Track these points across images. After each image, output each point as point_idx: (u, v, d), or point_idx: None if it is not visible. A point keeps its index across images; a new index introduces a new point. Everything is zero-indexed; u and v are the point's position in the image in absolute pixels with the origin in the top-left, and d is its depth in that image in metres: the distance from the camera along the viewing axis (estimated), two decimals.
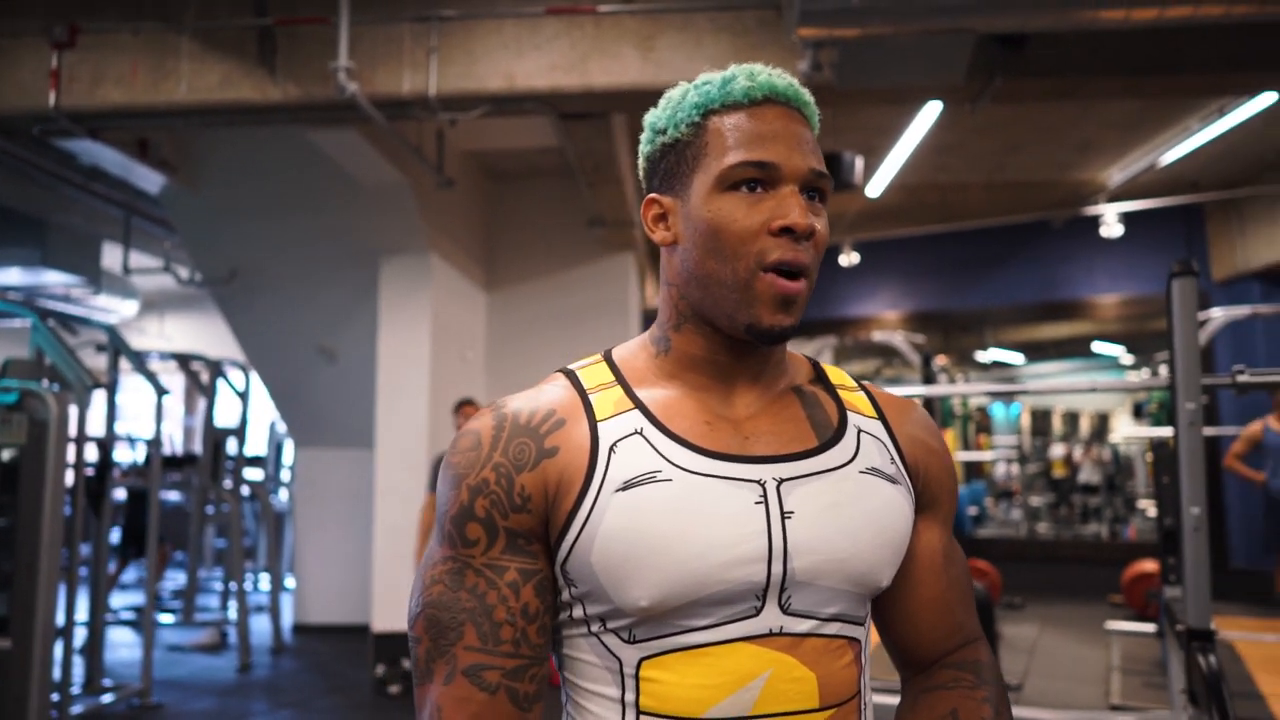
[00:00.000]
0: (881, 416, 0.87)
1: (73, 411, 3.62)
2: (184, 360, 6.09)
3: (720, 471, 0.76)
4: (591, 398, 0.81)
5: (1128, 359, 9.98)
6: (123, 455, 7.92)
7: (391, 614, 4.96)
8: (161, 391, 4.84)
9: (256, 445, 8.28)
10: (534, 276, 6.28)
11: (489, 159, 5.95)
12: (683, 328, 0.83)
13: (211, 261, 5.64)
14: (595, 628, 0.77)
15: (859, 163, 4.77)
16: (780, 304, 0.77)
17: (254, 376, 6.33)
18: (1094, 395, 10.44)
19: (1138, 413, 9.99)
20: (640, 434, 0.77)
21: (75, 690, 4.30)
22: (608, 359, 0.86)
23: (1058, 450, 10.47)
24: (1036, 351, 10.73)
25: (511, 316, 6.28)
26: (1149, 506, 8.09)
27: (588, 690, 0.78)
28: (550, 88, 3.53)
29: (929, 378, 5.45)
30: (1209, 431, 5.80)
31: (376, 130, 4.01)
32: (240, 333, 5.93)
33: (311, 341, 5.81)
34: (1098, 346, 9.91)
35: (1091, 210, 6.61)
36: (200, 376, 6.09)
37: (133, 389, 9.77)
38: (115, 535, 6.50)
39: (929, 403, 4.73)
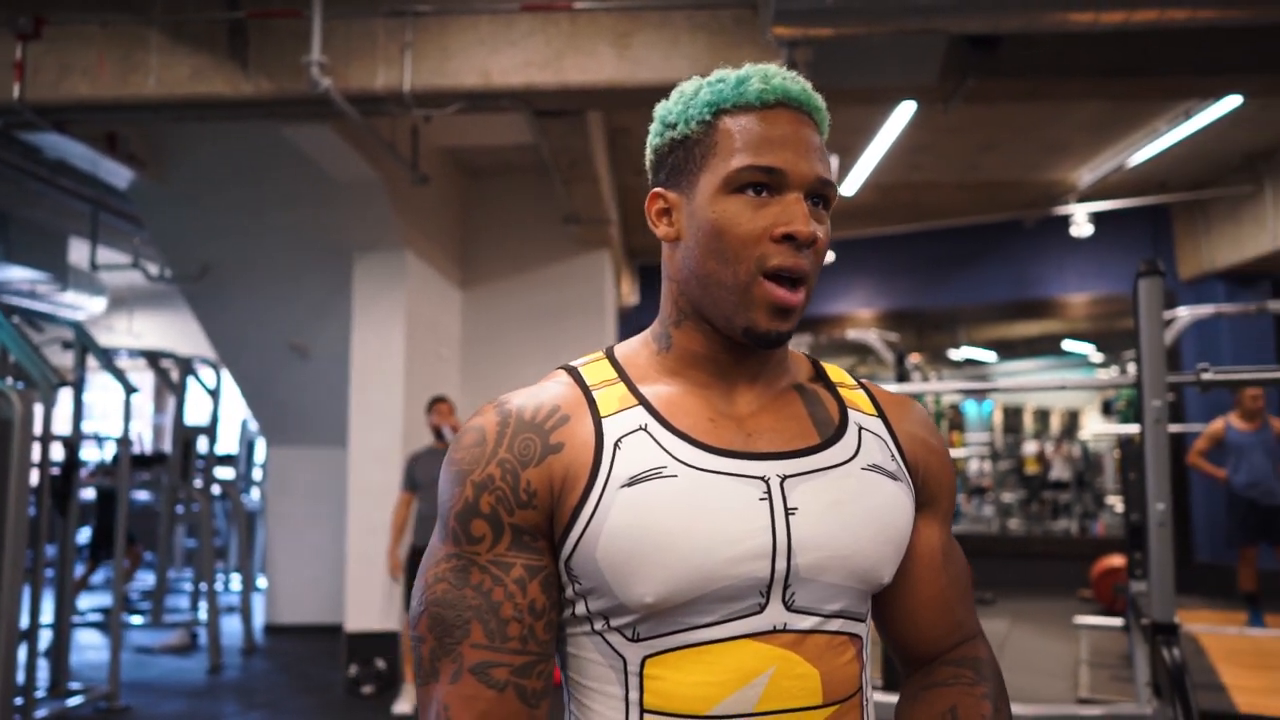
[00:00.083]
0: (882, 414, 0.88)
1: (38, 410, 3.56)
2: (153, 358, 6.01)
3: (724, 468, 0.76)
4: (595, 394, 0.81)
5: (1097, 357, 10.12)
6: (90, 454, 7.80)
7: (364, 614, 4.92)
8: (130, 389, 4.77)
9: (228, 444, 8.19)
10: (509, 274, 6.26)
11: (464, 155, 5.92)
12: (683, 324, 0.83)
13: (181, 258, 5.56)
14: (599, 625, 0.77)
15: (834, 162, 4.81)
16: (778, 312, 0.77)
17: (225, 374, 6.26)
18: (1064, 393, 10.59)
19: (1107, 410, 10.14)
20: (645, 430, 0.77)
21: (40, 694, 4.23)
22: (609, 356, 0.86)
23: (1030, 447, 10.61)
24: (1008, 350, 10.85)
25: (487, 314, 6.25)
26: (1117, 503, 8.22)
27: (591, 689, 0.78)
28: (525, 84, 3.52)
29: (903, 376, 5.49)
30: (1175, 428, 5.90)
31: (350, 126, 3.97)
32: (211, 330, 5.86)
33: (284, 339, 5.75)
34: (1068, 345, 10.04)
35: (1062, 210, 6.70)
36: (170, 374, 6.01)
37: (101, 387, 9.63)
38: (84, 536, 6.41)
39: None
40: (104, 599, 6.96)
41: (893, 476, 0.82)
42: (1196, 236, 6.90)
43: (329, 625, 5.92)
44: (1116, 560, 6.08)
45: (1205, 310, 5.69)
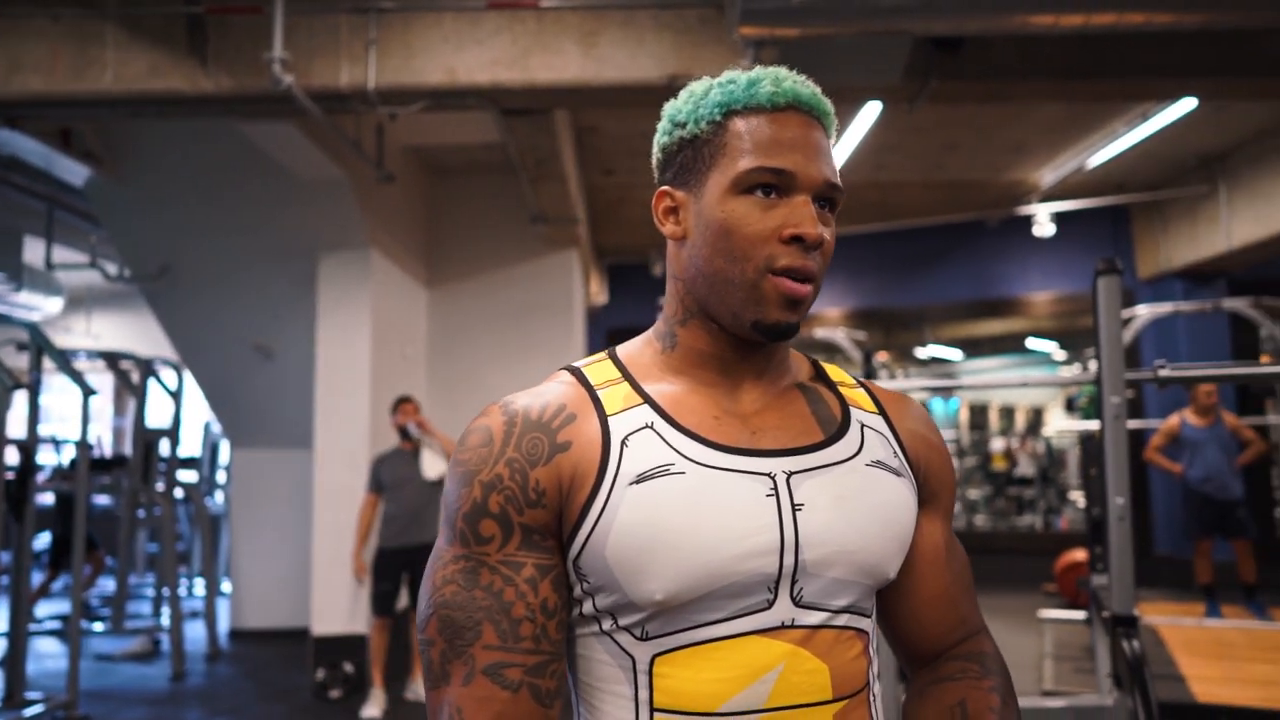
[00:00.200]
0: (882, 411, 0.89)
1: None
2: (112, 359, 5.89)
3: (731, 465, 0.76)
4: (599, 393, 0.81)
5: (1060, 355, 10.28)
6: (48, 459, 7.63)
7: (332, 617, 4.86)
8: (88, 392, 4.67)
9: (191, 446, 8.05)
10: (476, 273, 6.22)
11: (430, 154, 5.87)
12: (689, 323, 0.84)
13: (141, 257, 5.45)
14: (607, 625, 0.76)
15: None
16: (787, 303, 0.77)
17: (187, 376, 6.15)
18: (1029, 390, 10.74)
19: (1070, 407, 10.31)
20: (651, 428, 0.78)
21: None
22: (612, 356, 0.87)
23: (997, 444, 10.75)
24: (974, 347, 10.98)
25: (453, 313, 6.21)
26: (1080, 498, 8.36)
27: (600, 689, 0.78)
28: (491, 83, 3.50)
29: (870, 374, 5.54)
30: (1134, 424, 6.02)
31: (314, 124, 3.92)
32: (172, 330, 5.75)
33: (247, 339, 5.66)
34: (1032, 343, 10.19)
35: (1025, 210, 6.80)
36: (130, 376, 5.90)
37: (59, 390, 9.42)
38: (43, 542, 6.27)
39: None
40: (63, 606, 6.81)
41: (896, 473, 0.83)
42: (1155, 236, 7.04)
43: (295, 629, 5.84)
44: (1079, 555, 6.19)
45: (1163, 308, 5.82)
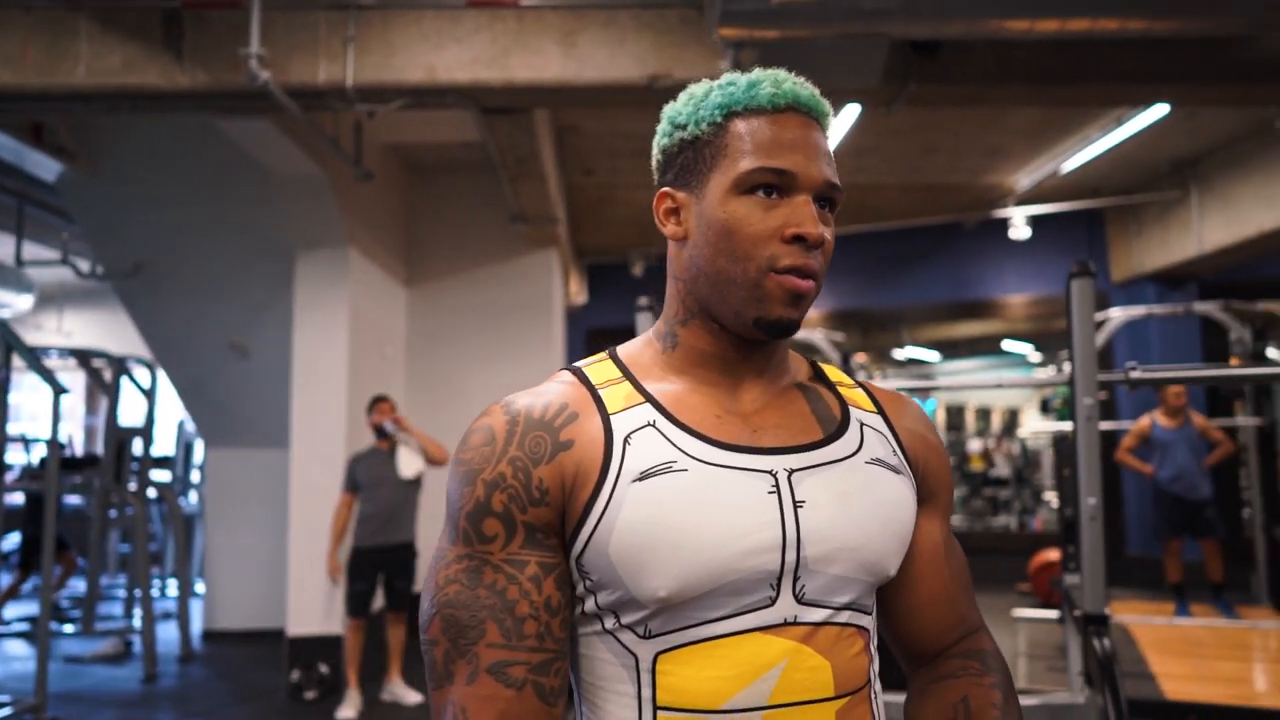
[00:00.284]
0: (881, 411, 0.89)
1: None
2: (85, 357, 5.81)
3: (733, 462, 0.77)
4: (601, 392, 0.81)
5: (1035, 357, 10.40)
6: (17, 457, 7.52)
7: (307, 617, 4.82)
8: (59, 390, 4.60)
9: (164, 445, 7.96)
10: (455, 272, 6.19)
11: (409, 152, 5.84)
12: (690, 323, 0.84)
13: (114, 253, 5.38)
14: (610, 624, 0.77)
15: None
16: (790, 300, 0.78)
17: (161, 374, 6.08)
18: (1005, 392, 10.86)
19: (1045, 408, 10.43)
20: (653, 426, 0.78)
21: None
22: (613, 356, 0.87)
23: (975, 445, 10.85)
24: (951, 349, 11.08)
25: (432, 312, 6.18)
26: (1054, 498, 8.45)
27: (602, 688, 0.78)
28: (471, 81, 3.49)
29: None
30: (1107, 426, 6.10)
31: (291, 120, 3.89)
32: (146, 328, 5.68)
33: (222, 337, 5.60)
34: (1008, 345, 10.30)
35: (1001, 213, 6.87)
36: (103, 374, 5.82)
37: (30, 388, 9.28)
38: (13, 543, 6.17)
39: None
40: (32, 607, 6.71)
41: (895, 471, 0.84)
42: (1128, 240, 7.14)
43: (270, 630, 5.79)
44: (1053, 554, 6.25)
45: (1136, 311, 5.90)
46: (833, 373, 0.92)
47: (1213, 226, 6.11)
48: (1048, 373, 9.21)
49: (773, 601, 0.75)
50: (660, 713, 0.74)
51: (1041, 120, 5.46)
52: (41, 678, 4.29)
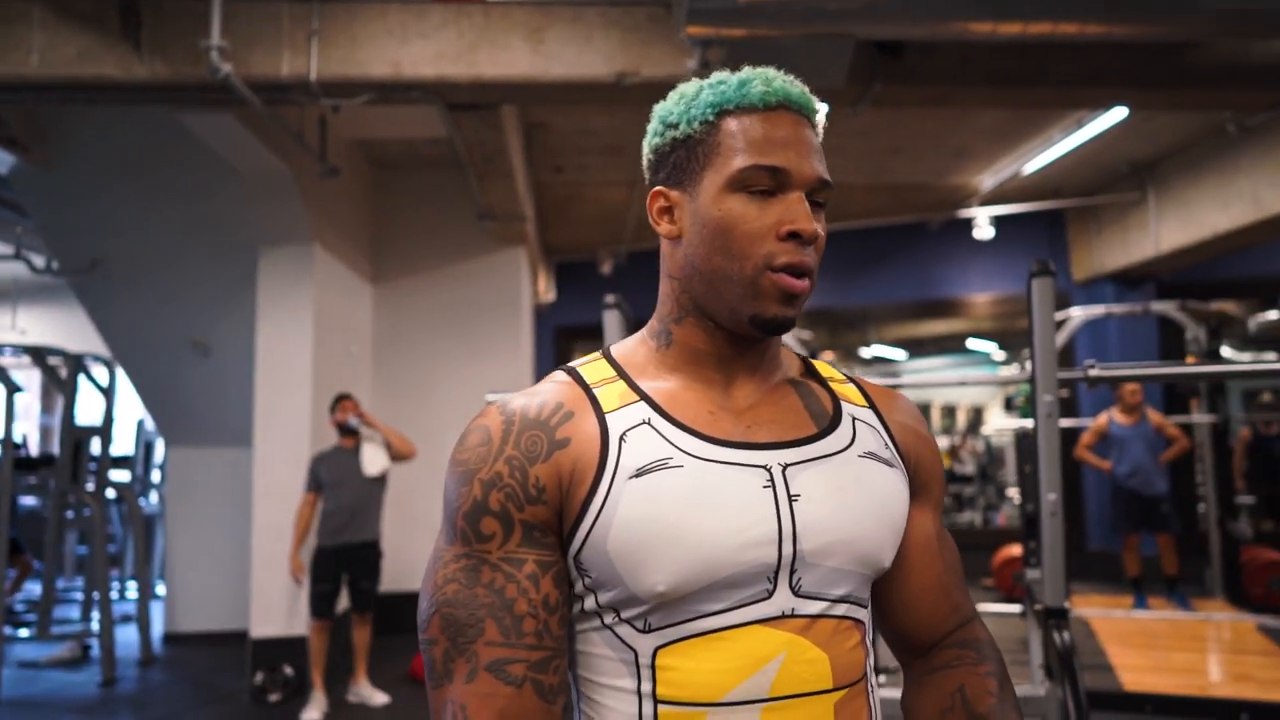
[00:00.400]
0: (872, 405, 0.90)
1: None
2: (40, 354, 5.67)
3: (728, 458, 0.77)
4: (595, 391, 0.82)
5: (999, 355, 10.55)
6: None
7: (270, 618, 4.76)
8: (13, 388, 4.50)
9: (123, 445, 7.80)
10: (423, 270, 6.14)
11: (375, 148, 5.78)
12: (684, 321, 0.85)
13: (70, 249, 5.26)
14: (609, 619, 0.77)
15: None
16: (785, 298, 0.79)
17: (119, 372, 5.96)
18: (970, 390, 11.00)
19: (1008, 406, 10.58)
20: (648, 424, 0.79)
21: None
22: (606, 355, 0.88)
23: (941, 442, 10.98)
24: (917, 347, 11.20)
25: (399, 310, 6.12)
26: (1018, 494, 8.58)
27: (601, 684, 0.78)
28: (437, 76, 3.46)
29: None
30: (1068, 423, 6.21)
31: (254, 114, 3.83)
32: (103, 326, 5.57)
33: (183, 335, 5.50)
34: (972, 343, 10.44)
35: (965, 213, 6.96)
36: (59, 372, 5.68)
37: None
38: None
39: None
40: None
41: (888, 464, 0.85)
42: (1088, 240, 7.26)
43: (233, 632, 5.70)
44: (1016, 550, 6.35)
45: (1096, 310, 6.01)
46: (824, 368, 0.93)
47: (1169, 228, 6.24)
48: (1011, 371, 9.35)
49: (770, 594, 0.76)
50: (661, 706, 0.74)
51: (1004, 122, 5.54)
52: None
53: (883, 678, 3.44)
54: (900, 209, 7.17)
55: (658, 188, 0.85)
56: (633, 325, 2.78)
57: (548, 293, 7.87)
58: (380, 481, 4.53)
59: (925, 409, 11.72)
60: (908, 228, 7.46)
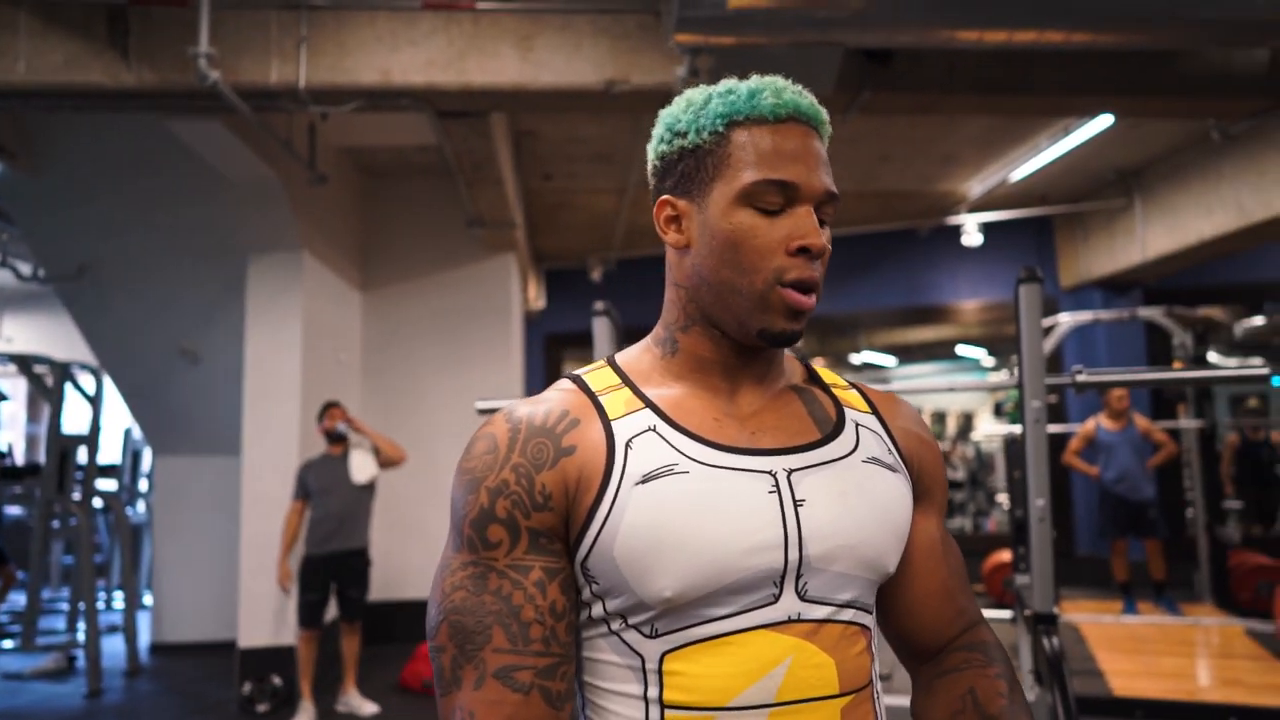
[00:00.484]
0: (875, 411, 0.91)
1: None
2: (25, 363, 5.63)
3: (733, 464, 0.78)
4: (601, 399, 0.82)
5: (989, 361, 10.59)
6: None
7: (259, 629, 4.73)
8: (0, 397, 4.46)
9: (110, 453, 7.74)
10: (412, 277, 6.13)
11: (365, 156, 5.77)
12: (691, 330, 0.85)
13: (57, 256, 5.23)
14: (616, 625, 0.77)
15: None
16: (793, 314, 0.80)
17: (107, 380, 5.92)
18: (960, 396, 11.04)
19: (998, 412, 10.62)
20: (654, 430, 0.79)
21: None
22: (611, 363, 0.88)
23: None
24: (906, 354, 11.24)
25: (389, 318, 6.11)
26: (1007, 500, 8.60)
27: (607, 690, 0.78)
28: (426, 84, 3.46)
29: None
30: (1055, 428, 6.23)
31: (243, 122, 3.82)
32: (91, 334, 5.53)
33: (172, 343, 5.47)
34: (961, 349, 10.48)
35: (954, 220, 7.00)
36: (45, 380, 5.64)
37: None
38: None
39: None
40: None
41: (891, 469, 0.85)
42: (1076, 247, 7.31)
43: (221, 642, 5.66)
44: (1006, 555, 6.36)
45: (1084, 316, 6.04)
46: (827, 375, 0.94)
47: (1156, 234, 6.29)
48: (1000, 376, 9.39)
49: (776, 599, 0.76)
50: (668, 711, 0.75)
51: (992, 129, 5.57)
52: None
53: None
54: (889, 216, 7.20)
55: (665, 196, 0.84)
56: (622, 332, 2.78)
57: (537, 300, 7.86)
58: (369, 489, 4.51)
59: None
60: (897, 234, 7.49)
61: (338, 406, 4.56)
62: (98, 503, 5.98)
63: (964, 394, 10.49)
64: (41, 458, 6.13)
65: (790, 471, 0.79)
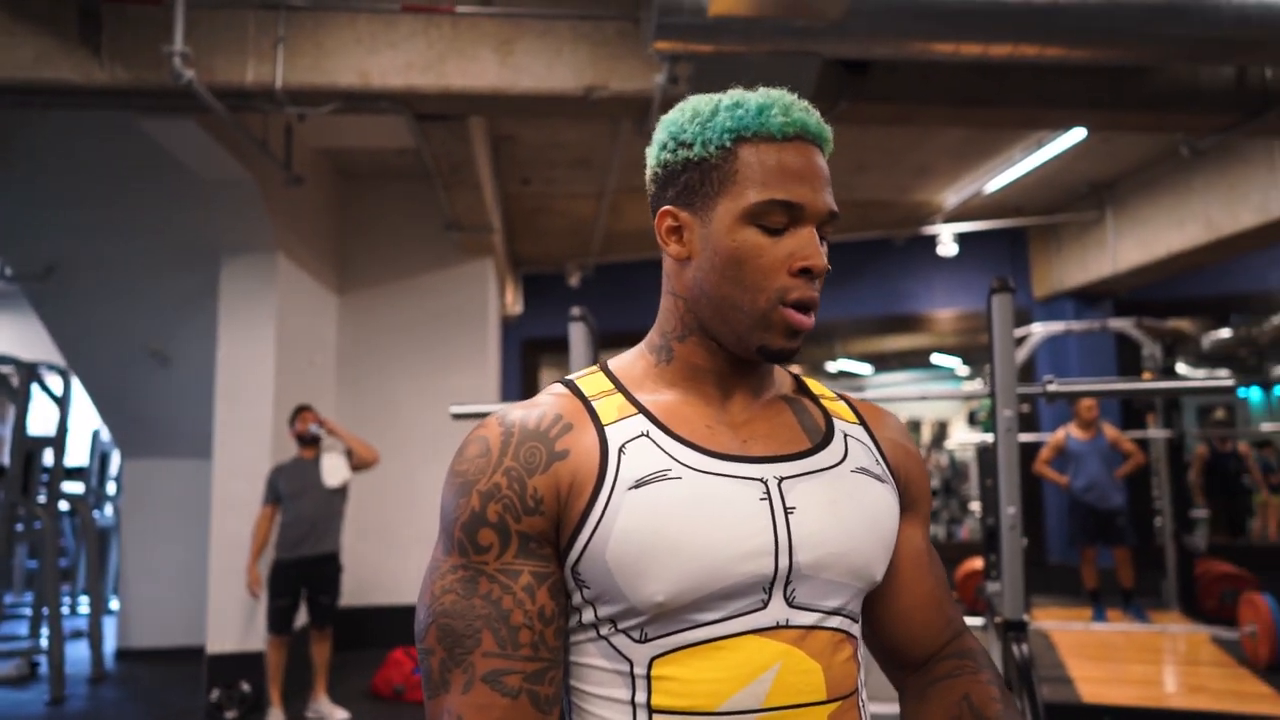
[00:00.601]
0: (863, 422, 0.92)
1: None
2: None
3: (725, 470, 0.78)
4: (594, 404, 0.82)
5: (963, 370, 10.69)
6: None
7: (228, 633, 4.66)
8: None
9: (78, 456, 7.62)
10: (388, 280, 6.09)
11: (342, 158, 5.74)
12: (688, 339, 0.86)
13: (24, 255, 5.15)
14: (605, 630, 0.77)
15: None
16: (792, 333, 0.81)
17: (75, 381, 5.83)
18: (934, 404, 11.13)
19: (972, 420, 10.73)
20: (647, 436, 0.79)
21: None
22: (604, 369, 0.88)
23: None
24: (882, 362, 11.32)
25: (364, 321, 6.06)
26: (980, 508, 8.68)
27: (594, 695, 0.78)
28: (405, 87, 3.44)
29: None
30: (1028, 437, 6.29)
31: (217, 121, 3.78)
32: (58, 334, 5.44)
33: (142, 344, 5.40)
34: (937, 358, 10.57)
35: (929, 230, 7.06)
36: (11, 381, 5.54)
37: None
38: None
39: None
40: None
41: (879, 479, 0.86)
42: (1049, 258, 7.41)
43: (189, 648, 5.58)
44: (978, 563, 6.42)
45: (1056, 327, 6.12)
46: (815, 386, 0.95)
47: (1127, 246, 6.38)
48: (974, 385, 9.48)
49: (765, 605, 0.76)
50: (657, 716, 0.75)
51: (967, 141, 5.64)
52: None
53: None
54: (865, 225, 7.26)
55: (667, 207, 0.84)
56: (599, 338, 2.78)
57: (515, 305, 7.84)
58: (341, 493, 4.47)
59: None
60: (873, 244, 7.55)
61: (309, 410, 4.52)
62: (63, 506, 5.88)
63: (938, 402, 10.59)
64: (6, 459, 6.02)
65: (781, 479, 0.80)
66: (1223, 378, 7.55)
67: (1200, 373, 9.27)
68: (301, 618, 4.53)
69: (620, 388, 0.85)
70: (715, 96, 0.84)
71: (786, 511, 0.78)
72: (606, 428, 0.80)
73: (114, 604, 6.72)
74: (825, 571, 0.79)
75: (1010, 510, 2.54)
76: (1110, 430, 5.82)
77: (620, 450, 0.78)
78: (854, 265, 7.84)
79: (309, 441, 4.44)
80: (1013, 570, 2.53)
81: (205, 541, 4.92)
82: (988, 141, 5.67)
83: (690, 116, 0.83)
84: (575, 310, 2.72)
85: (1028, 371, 6.96)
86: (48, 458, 5.56)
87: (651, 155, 0.87)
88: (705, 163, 0.81)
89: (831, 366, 10.69)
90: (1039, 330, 6.09)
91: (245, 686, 4.55)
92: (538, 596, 0.76)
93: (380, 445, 5.08)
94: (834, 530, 0.79)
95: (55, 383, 5.88)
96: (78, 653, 5.79)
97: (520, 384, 8.14)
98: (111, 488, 7.97)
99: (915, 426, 11.97)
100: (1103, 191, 6.57)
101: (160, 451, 5.85)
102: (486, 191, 5.12)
